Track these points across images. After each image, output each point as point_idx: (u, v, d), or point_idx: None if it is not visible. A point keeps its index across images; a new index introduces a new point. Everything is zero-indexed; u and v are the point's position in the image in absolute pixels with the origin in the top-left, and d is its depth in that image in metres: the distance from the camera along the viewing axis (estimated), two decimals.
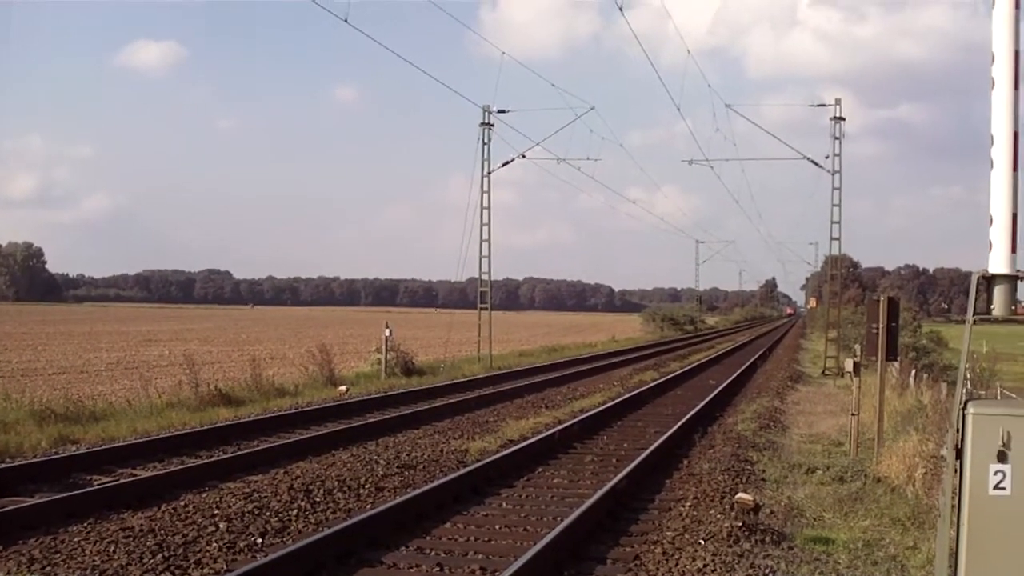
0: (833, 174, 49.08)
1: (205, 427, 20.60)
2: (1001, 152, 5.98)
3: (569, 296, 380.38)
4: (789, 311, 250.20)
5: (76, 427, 19.76)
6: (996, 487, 5.95)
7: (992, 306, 6.16)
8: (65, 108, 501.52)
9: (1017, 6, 6.00)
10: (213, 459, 16.99)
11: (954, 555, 6.10)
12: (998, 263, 6.01)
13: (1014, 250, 6.06)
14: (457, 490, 14.57)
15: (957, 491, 6.15)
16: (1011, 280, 6.09)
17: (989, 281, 6.10)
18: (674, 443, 20.09)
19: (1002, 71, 5.98)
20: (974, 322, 6.22)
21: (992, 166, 6.00)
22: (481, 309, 49.23)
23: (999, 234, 5.99)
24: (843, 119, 49.03)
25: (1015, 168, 5.98)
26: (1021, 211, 6.10)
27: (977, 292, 6.12)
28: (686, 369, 43.44)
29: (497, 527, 12.84)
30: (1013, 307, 6.13)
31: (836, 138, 49.11)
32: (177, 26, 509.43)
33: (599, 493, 13.89)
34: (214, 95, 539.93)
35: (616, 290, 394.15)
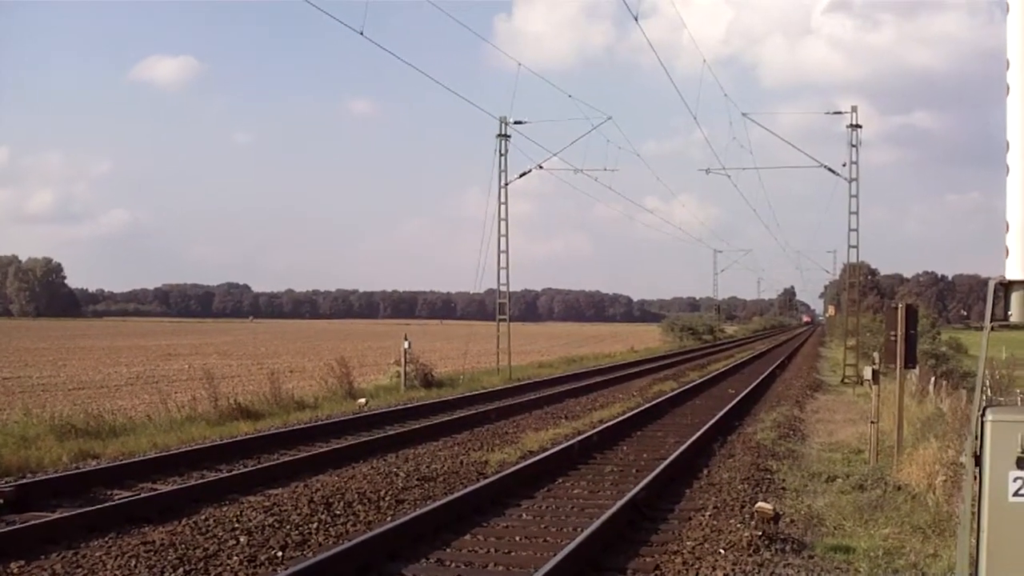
0: (850, 182, 48.93)
1: (225, 441, 20.63)
2: (1017, 158, 5.95)
3: (588, 307, 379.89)
4: (806, 319, 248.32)
5: (96, 442, 19.82)
6: (1016, 494, 5.93)
7: (1010, 312, 6.14)
8: (83, 124, 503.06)
9: None
10: (233, 473, 17.03)
11: (974, 563, 6.09)
12: (1015, 269, 5.98)
13: None
14: (477, 502, 14.57)
15: (977, 498, 6.13)
16: None
17: (1007, 288, 6.07)
18: (693, 453, 20.06)
19: (1017, 77, 5.94)
20: (992, 329, 6.20)
21: (1008, 172, 5.97)
22: (500, 320, 49.19)
23: (1016, 240, 5.96)
24: (859, 126, 48.85)
25: None
26: None
27: (995, 299, 6.09)
28: (705, 379, 43.32)
29: (517, 538, 12.84)
30: None
31: (853, 145, 48.93)
32: (193, 41, 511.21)
33: (619, 504, 13.89)
34: (231, 109, 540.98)
35: (635, 300, 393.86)
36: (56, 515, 13.27)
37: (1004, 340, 31.10)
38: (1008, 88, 5.94)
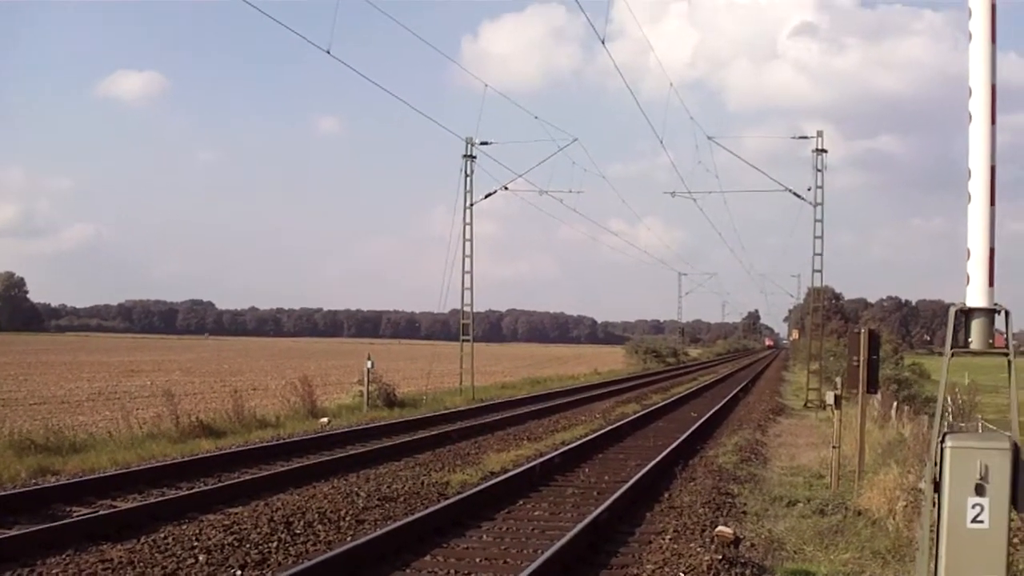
0: (815, 206, 49.22)
1: (186, 458, 20.50)
2: (978, 186, 5.98)
3: (552, 328, 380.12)
4: (769, 343, 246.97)
5: (56, 458, 19.71)
6: (974, 520, 5.96)
7: (970, 339, 6.17)
8: (45, 139, 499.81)
9: (993, 41, 6.02)
10: (194, 491, 16.95)
11: None
12: (975, 297, 6.02)
13: (991, 284, 6.06)
14: (438, 523, 14.53)
15: (936, 524, 6.16)
16: (988, 313, 6.09)
17: (967, 315, 6.10)
18: (655, 476, 20.07)
19: (979, 106, 5.98)
20: (952, 355, 6.23)
21: (970, 200, 6.00)
22: (463, 341, 49.15)
23: (976, 268, 5.99)
24: (825, 151, 49.27)
25: (992, 202, 5.98)
26: (999, 245, 6.10)
27: (956, 326, 6.12)
28: (668, 401, 43.43)
29: (477, 560, 12.81)
30: (991, 340, 6.13)
31: (818, 170, 49.29)
32: (159, 57, 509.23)
33: (580, 526, 13.88)
34: (196, 126, 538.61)
35: (599, 322, 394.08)
36: (13, 532, 13.17)
37: (966, 366, 31.21)
38: (970, 116, 5.98)
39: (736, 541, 13.21)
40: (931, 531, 6.21)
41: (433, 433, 27.54)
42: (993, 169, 6.00)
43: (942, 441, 6.09)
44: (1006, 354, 6.20)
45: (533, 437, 27.64)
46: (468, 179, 48.26)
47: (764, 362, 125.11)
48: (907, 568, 11.94)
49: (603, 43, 29.03)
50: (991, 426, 10.84)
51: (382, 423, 29.95)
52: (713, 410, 37.38)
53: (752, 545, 13.74)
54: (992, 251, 6.04)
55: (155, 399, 33.17)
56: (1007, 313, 6.09)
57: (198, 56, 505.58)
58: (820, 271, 50.16)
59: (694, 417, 34.65)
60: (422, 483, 18.58)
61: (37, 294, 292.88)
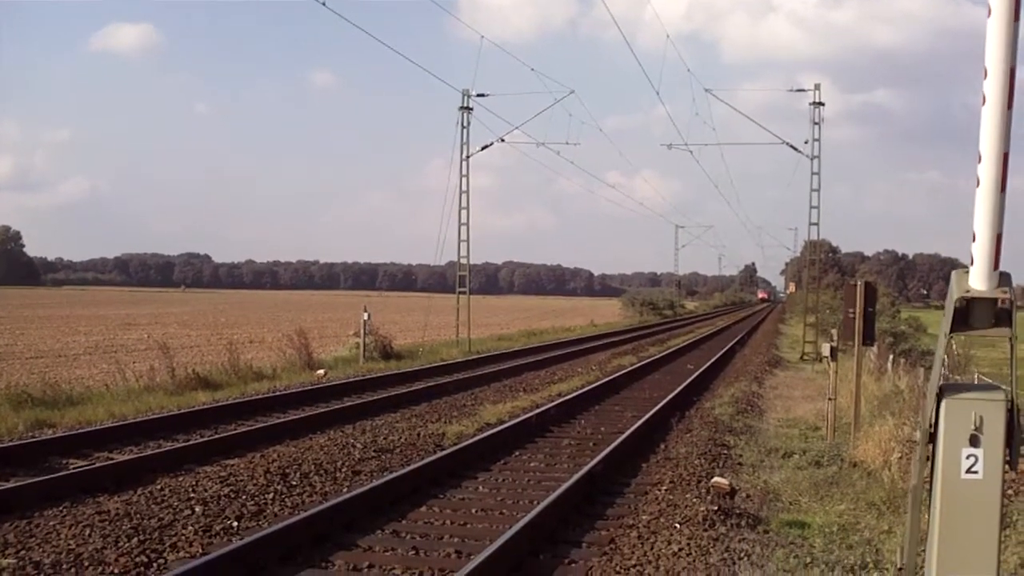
0: (812, 159, 49.12)
1: (182, 411, 20.51)
2: (988, 171, 5.84)
3: (548, 280, 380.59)
4: (762, 295, 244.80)
5: (53, 411, 19.72)
6: (968, 471, 5.96)
7: (972, 321, 6.09)
8: (41, 92, 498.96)
9: (1016, 19, 5.73)
10: (190, 443, 16.96)
11: (926, 539, 6.11)
12: (978, 280, 5.93)
13: (996, 268, 5.96)
14: (434, 474, 14.56)
15: (930, 475, 6.16)
16: (991, 301, 6.00)
17: (969, 300, 6.02)
18: (651, 427, 20.11)
19: (994, 88, 5.78)
20: (950, 337, 6.18)
21: (978, 184, 5.86)
22: (460, 293, 49.17)
23: (980, 251, 5.89)
24: (822, 104, 49.09)
25: (1003, 189, 5.84)
26: (1006, 230, 5.97)
27: (956, 309, 6.04)
28: (665, 353, 43.44)
29: (473, 511, 12.85)
30: (992, 320, 6.06)
31: (815, 123, 49.12)
32: (152, 10, 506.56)
33: (575, 477, 13.89)
34: (190, 79, 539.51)
35: (595, 274, 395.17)
36: (10, 484, 13.16)
37: None
38: (984, 98, 5.82)
39: (732, 492, 13.26)
40: (924, 482, 6.22)
41: (429, 385, 27.54)
42: (1006, 156, 5.86)
43: (939, 393, 6.08)
44: (1008, 334, 6.14)
45: (529, 389, 27.68)
46: (465, 131, 48.18)
47: (761, 315, 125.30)
48: (902, 519, 11.94)
49: None
50: (986, 378, 10.84)
51: (378, 375, 29.99)
52: (710, 362, 37.45)
53: (748, 496, 13.76)
54: (999, 238, 5.92)
55: (151, 352, 33.16)
56: (1008, 276, 6.01)
57: (191, 9, 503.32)
58: (817, 224, 50.12)
59: (691, 369, 34.67)
60: (418, 434, 18.60)
61: (34, 248, 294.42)
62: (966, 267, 5.87)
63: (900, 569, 6.41)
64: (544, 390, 27.22)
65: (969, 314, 6.00)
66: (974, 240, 5.84)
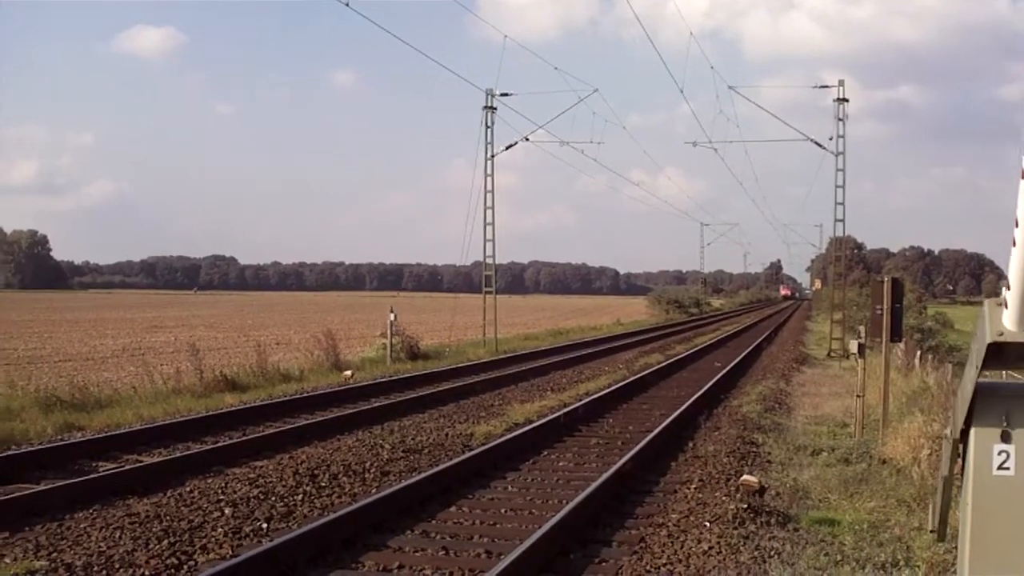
0: (837, 155, 48.89)
1: (210, 413, 20.58)
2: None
3: (574, 279, 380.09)
4: (785, 292, 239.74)
5: (81, 414, 19.78)
6: (1000, 467, 5.92)
7: (1004, 358, 6.03)
8: (65, 95, 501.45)
9: None
10: (218, 444, 16.98)
11: (958, 537, 6.08)
12: (1011, 323, 5.85)
13: None
14: (462, 474, 14.56)
15: (961, 471, 6.13)
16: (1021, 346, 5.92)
17: (1000, 346, 5.95)
18: (679, 425, 20.07)
19: None
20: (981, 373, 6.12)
21: (1014, 244, 5.75)
22: (486, 293, 49.14)
23: (1015, 299, 5.79)
24: (847, 100, 48.78)
25: None
26: None
27: (988, 351, 5.97)
28: (691, 352, 43.36)
29: (503, 511, 12.85)
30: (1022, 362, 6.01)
31: (840, 119, 48.86)
32: (175, 11, 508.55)
33: (604, 476, 13.88)
34: (213, 80, 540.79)
35: (621, 273, 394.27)
36: (41, 487, 13.21)
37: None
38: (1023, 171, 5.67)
39: (761, 490, 13.21)
40: (956, 480, 6.19)
41: (457, 385, 27.55)
42: None
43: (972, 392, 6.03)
44: None
45: (557, 388, 27.68)
46: (489, 131, 48.10)
47: (787, 312, 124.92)
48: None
49: None
50: (1016, 375, 10.77)
51: (405, 375, 30.02)
52: (736, 360, 37.35)
53: (777, 494, 13.73)
54: None
55: (178, 354, 33.26)
56: None
57: (213, 10, 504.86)
58: (842, 220, 49.77)
59: (718, 367, 34.61)
60: (446, 435, 18.62)
61: (60, 252, 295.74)
62: (999, 299, 5.79)
63: (932, 531, 6.41)
64: (571, 389, 27.20)
65: (1001, 352, 5.96)
66: (1008, 289, 5.78)
